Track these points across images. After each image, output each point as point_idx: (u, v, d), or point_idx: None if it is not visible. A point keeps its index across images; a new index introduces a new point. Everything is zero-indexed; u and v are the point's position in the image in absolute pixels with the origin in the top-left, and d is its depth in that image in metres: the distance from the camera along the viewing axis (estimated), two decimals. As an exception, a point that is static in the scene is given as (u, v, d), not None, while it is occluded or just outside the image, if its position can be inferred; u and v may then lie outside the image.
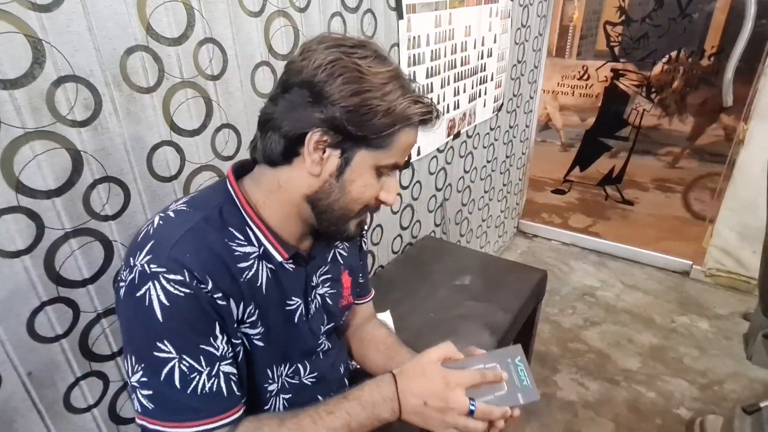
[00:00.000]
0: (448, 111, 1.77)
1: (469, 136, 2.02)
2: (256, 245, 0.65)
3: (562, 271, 2.67)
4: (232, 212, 0.64)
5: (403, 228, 1.75)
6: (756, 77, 2.09)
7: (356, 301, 0.90)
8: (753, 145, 2.14)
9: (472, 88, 1.91)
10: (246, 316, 0.64)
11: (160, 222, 0.61)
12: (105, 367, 0.86)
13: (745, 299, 2.36)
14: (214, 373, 0.59)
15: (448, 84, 1.72)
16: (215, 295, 0.58)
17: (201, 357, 0.58)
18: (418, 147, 1.66)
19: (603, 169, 2.98)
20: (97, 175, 0.77)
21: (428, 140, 1.70)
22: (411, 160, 1.65)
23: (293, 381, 0.76)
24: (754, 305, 2.25)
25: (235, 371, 0.63)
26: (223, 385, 0.60)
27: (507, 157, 2.52)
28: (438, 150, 1.81)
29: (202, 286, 0.57)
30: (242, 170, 0.69)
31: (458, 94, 1.81)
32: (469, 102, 1.92)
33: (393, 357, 0.85)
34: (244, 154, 0.99)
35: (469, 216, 2.28)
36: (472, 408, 0.62)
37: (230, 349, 0.62)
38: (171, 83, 0.85)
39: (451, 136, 1.86)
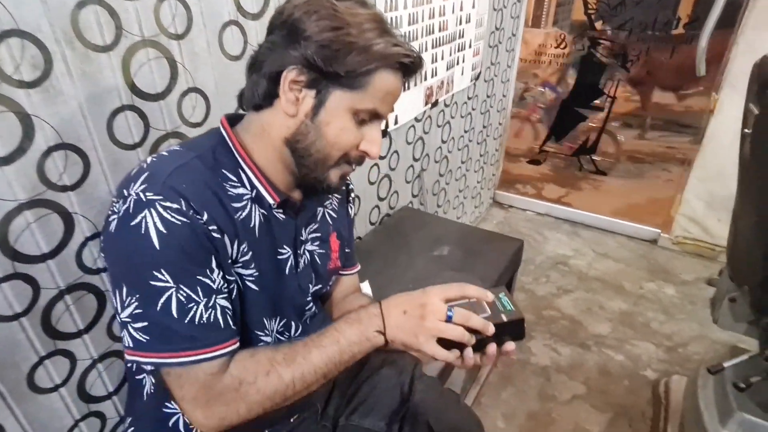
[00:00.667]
0: (425, 79, 1.73)
1: (446, 105, 1.99)
2: (249, 188, 0.65)
3: (537, 241, 2.71)
4: (224, 154, 0.65)
5: (380, 199, 1.72)
6: (728, 47, 2.12)
7: (342, 271, 0.89)
8: (723, 115, 2.18)
9: (450, 55, 1.86)
10: (239, 254, 0.64)
11: (154, 158, 0.61)
12: (71, 345, 0.81)
13: (710, 265, 2.46)
14: (211, 304, 0.59)
15: (426, 50, 1.67)
16: (210, 227, 0.59)
17: (198, 287, 0.58)
18: (396, 116, 1.62)
19: (577, 139, 3.02)
20: (51, 141, 0.71)
21: (406, 108, 1.66)
22: (389, 129, 1.61)
23: (284, 338, 0.75)
24: (717, 271, 2.36)
25: (230, 306, 0.62)
26: (219, 316, 0.60)
27: (484, 127, 2.51)
28: (415, 119, 1.77)
29: (198, 216, 0.57)
30: (234, 120, 0.69)
31: (436, 61, 1.76)
32: (447, 70, 1.87)
33: None
34: (214, 122, 0.94)
35: (447, 187, 2.27)
36: (450, 314, 0.62)
37: (225, 284, 0.62)
38: (130, 41, 0.78)
39: (429, 105, 1.83)
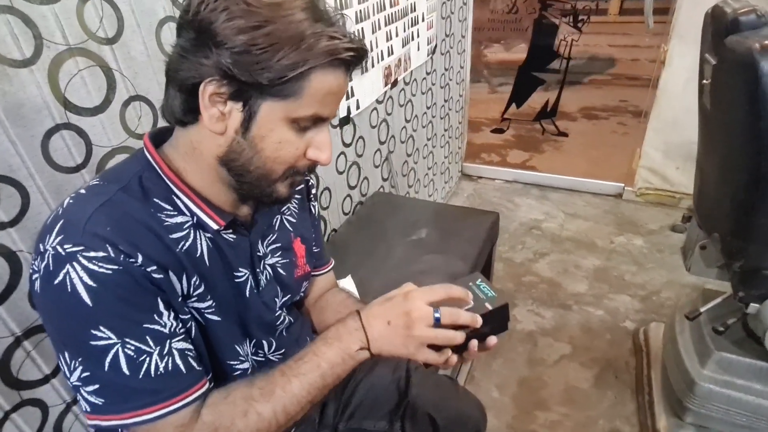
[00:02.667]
0: (382, 58, 1.67)
1: (406, 83, 1.94)
2: (188, 214, 0.58)
3: (508, 209, 2.74)
4: (153, 180, 0.57)
5: (351, 187, 1.67)
6: (673, -2, 2.15)
7: (314, 273, 0.84)
8: (674, 66, 2.23)
9: (404, 30, 1.80)
10: (191, 288, 0.57)
11: (71, 201, 0.53)
12: (39, 392, 0.75)
13: (671, 212, 2.56)
14: (166, 351, 0.53)
15: (380, 28, 1.61)
16: (149, 268, 0.52)
17: (147, 337, 0.51)
18: (357, 100, 1.56)
19: (537, 104, 3.04)
20: (-23, 176, 0.63)
21: (366, 92, 1.60)
22: (351, 115, 1.55)
23: (259, 358, 0.71)
24: (679, 218, 2.46)
25: (190, 347, 0.56)
26: (179, 362, 0.54)
27: (445, 101, 2.48)
28: (377, 101, 1.72)
29: (132, 259, 0.50)
30: (161, 137, 0.61)
31: (391, 38, 1.70)
32: (403, 46, 1.82)
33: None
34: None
35: (415, 166, 2.24)
36: (437, 316, 0.59)
37: (179, 324, 0.55)
38: (54, 52, 0.70)
39: (389, 85, 1.77)
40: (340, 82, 0.54)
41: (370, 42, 1.56)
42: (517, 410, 1.57)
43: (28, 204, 0.69)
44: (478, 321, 0.60)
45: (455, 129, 2.77)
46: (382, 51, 1.66)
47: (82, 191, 0.54)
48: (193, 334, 0.58)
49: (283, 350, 0.73)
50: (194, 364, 0.56)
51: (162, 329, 0.52)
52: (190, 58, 0.51)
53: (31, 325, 0.72)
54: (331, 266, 0.90)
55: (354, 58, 0.53)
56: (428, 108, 2.25)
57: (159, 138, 0.60)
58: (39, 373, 0.74)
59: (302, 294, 0.80)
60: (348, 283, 1.25)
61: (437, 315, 0.59)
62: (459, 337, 0.60)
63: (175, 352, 0.53)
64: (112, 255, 0.49)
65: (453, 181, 2.93)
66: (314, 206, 0.83)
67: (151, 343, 0.51)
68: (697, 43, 1.14)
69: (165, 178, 0.57)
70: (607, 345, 1.81)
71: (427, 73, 2.14)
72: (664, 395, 1.51)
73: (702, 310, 1.22)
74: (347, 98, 1.50)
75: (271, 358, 0.72)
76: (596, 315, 1.95)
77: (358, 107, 1.57)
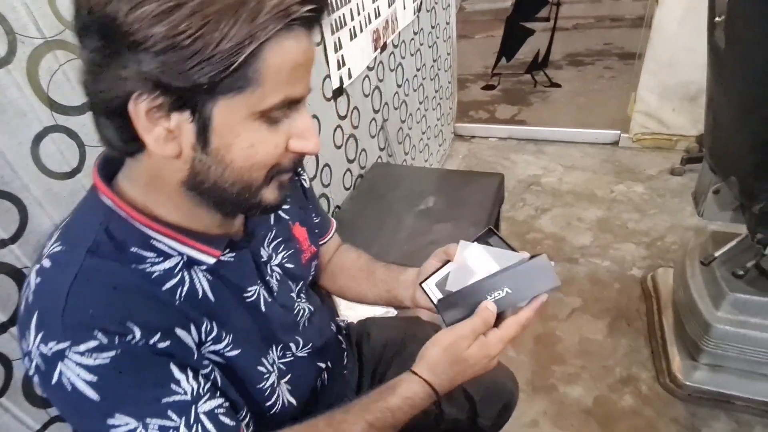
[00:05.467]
0: (370, 21, 1.58)
1: (395, 46, 1.86)
2: (176, 254, 0.50)
3: (505, 167, 2.71)
4: (123, 228, 0.47)
5: (350, 161, 1.62)
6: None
7: (321, 242, 0.79)
8: (667, 4, 2.15)
9: (390, -11, 1.71)
10: (204, 335, 0.51)
11: (38, 280, 0.45)
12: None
13: (669, 156, 2.55)
14: (192, 420, 0.46)
15: (365, -11, 1.52)
16: (151, 340, 0.44)
17: (169, 411, 0.45)
18: (348, 69, 1.48)
19: (527, 56, 2.96)
20: (-32, 193, 0.58)
21: (356, 60, 1.53)
22: (344, 86, 1.48)
23: (287, 359, 0.66)
24: (677, 161, 2.45)
25: (220, 401, 0.50)
26: (210, 426, 0.47)
27: (434, 61, 2.39)
28: (368, 68, 1.64)
29: (129, 337, 0.43)
30: (112, 167, 0.50)
31: (377, -1, 1.61)
32: (389, 6, 1.72)
33: (371, 279, 0.78)
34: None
35: (410, 132, 2.18)
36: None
37: (202, 382, 0.49)
38: (30, 47, 0.63)
39: (378, 50, 1.69)
40: (304, 48, 0.42)
41: (356, 4, 1.47)
42: (536, 366, 1.60)
43: (26, 217, 0.64)
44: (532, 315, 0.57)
45: (445, 89, 2.69)
46: (369, 14, 1.57)
47: (46, 264, 0.45)
48: (219, 383, 0.52)
49: (310, 344, 0.69)
50: (226, 420, 0.49)
51: (183, 397, 0.46)
52: (104, 73, 0.40)
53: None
54: (334, 228, 0.84)
55: (314, 11, 0.41)
56: (418, 70, 2.17)
57: (110, 168, 0.50)
58: (64, 389, 0.71)
59: (313, 273, 0.75)
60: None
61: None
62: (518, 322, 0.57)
63: (203, 417, 0.47)
64: (105, 342, 0.42)
65: (447, 143, 2.88)
66: (304, 180, 0.75)
67: (174, 417, 0.45)
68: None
69: (134, 223, 0.47)
70: (617, 294, 1.83)
71: (415, 33, 2.05)
72: (677, 339, 1.54)
73: (716, 254, 1.22)
74: (338, 68, 1.42)
75: (300, 354, 0.68)
76: (603, 266, 1.96)
77: (350, 76, 1.50)
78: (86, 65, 0.42)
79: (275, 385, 0.63)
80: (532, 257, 0.57)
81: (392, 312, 1.09)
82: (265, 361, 0.60)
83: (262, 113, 0.43)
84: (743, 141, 1.01)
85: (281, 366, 0.64)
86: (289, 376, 0.65)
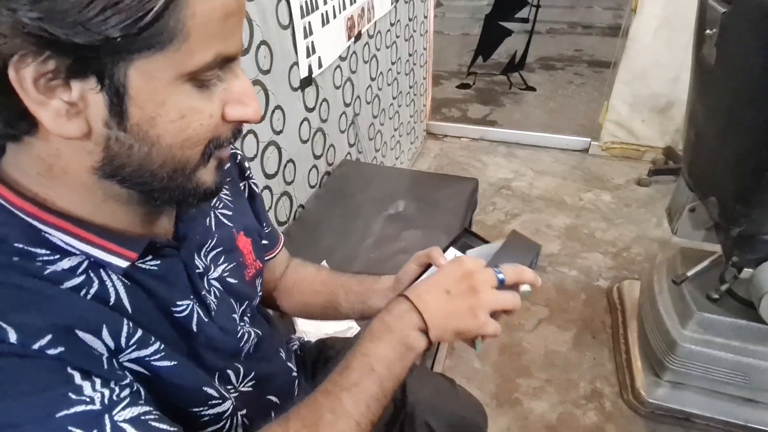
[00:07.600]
0: (344, 8, 1.47)
1: (370, 36, 1.75)
2: (78, 252, 0.39)
3: (477, 168, 2.66)
4: (3, 221, 0.37)
5: (316, 157, 1.51)
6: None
7: (267, 257, 0.68)
8: (644, 14, 2.14)
9: (367, -26, 1.59)
10: (125, 340, 0.40)
11: None
12: None
13: (636, 166, 2.57)
14: (109, 429, 0.36)
15: (340, -29, 1.40)
16: (35, 345, 0.34)
17: (69, 427, 0.34)
18: (319, 57, 1.36)
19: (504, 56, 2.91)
20: None
21: (328, 48, 1.41)
22: (313, 75, 1.36)
23: (233, 392, 0.55)
24: (644, 171, 2.47)
25: (148, 409, 0.39)
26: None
27: (410, 55, 2.30)
28: (340, 58, 1.53)
29: (9, 342, 0.33)
30: None
31: (352, -17, 1.49)
32: (366, -7, 1.61)
33: (338, 288, 0.69)
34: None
35: (382, 128, 2.08)
36: (501, 277, 0.51)
37: (117, 390, 0.38)
38: None
39: (352, 39, 1.58)
40: None
41: (330, -12, 1.36)
42: (500, 379, 1.55)
43: None
44: (539, 281, 0.54)
45: (420, 85, 2.60)
46: (343, 0, 1.45)
47: None
48: (142, 394, 0.40)
49: (252, 375, 0.57)
50: (162, 426, 0.39)
51: (89, 407, 0.36)
52: None
53: None
54: (281, 243, 0.73)
55: None
56: (393, 63, 2.07)
57: None
58: None
59: (260, 294, 0.63)
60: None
61: (501, 276, 0.51)
62: (518, 298, 0.52)
63: (126, 426, 0.37)
64: None
65: (419, 141, 2.80)
66: (253, 184, 0.64)
67: (79, 430, 0.34)
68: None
69: (19, 213, 0.37)
70: (583, 305, 1.81)
71: (392, 24, 1.95)
72: (641, 354, 1.53)
73: (689, 274, 1.20)
74: (308, 55, 1.30)
75: (242, 389, 0.56)
76: (570, 275, 1.94)
77: (320, 65, 1.39)
78: None
79: (228, 414, 0.51)
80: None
81: (355, 328, 1.00)
82: (209, 388, 0.49)
83: (191, 75, 0.35)
84: (726, 162, 0.97)
85: (231, 396, 0.53)
86: (244, 410, 0.55)
